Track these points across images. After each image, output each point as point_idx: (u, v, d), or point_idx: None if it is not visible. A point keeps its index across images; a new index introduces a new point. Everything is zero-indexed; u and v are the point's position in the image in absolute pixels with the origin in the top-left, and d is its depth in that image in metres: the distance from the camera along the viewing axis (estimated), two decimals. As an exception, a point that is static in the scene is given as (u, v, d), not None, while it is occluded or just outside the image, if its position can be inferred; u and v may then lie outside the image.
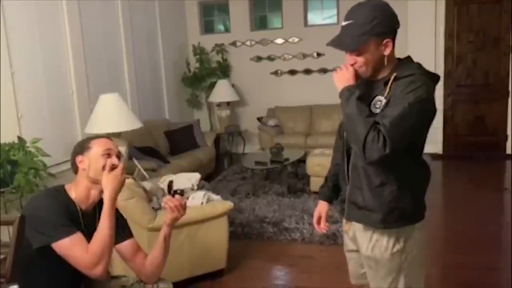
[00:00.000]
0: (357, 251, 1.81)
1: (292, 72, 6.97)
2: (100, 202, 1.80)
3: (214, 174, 5.89)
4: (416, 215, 1.66)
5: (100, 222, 1.67)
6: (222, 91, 6.63)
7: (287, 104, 6.86)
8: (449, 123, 6.24)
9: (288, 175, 5.22)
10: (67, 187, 1.78)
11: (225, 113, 6.80)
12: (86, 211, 1.78)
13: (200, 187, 3.27)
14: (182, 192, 1.87)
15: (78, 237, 1.63)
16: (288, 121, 6.68)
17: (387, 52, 1.54)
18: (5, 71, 3.65)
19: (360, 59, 1.56)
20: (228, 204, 3.07)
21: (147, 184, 3.09)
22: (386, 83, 1.54)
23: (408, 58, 1.63)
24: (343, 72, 1.58)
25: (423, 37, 6.04)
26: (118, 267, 2.72)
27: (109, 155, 1.75)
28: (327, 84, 6.74)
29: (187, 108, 7.22)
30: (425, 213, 1.70)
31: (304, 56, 6.87)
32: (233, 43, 7.10)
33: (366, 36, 1.51)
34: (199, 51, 6.94)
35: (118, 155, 1.80)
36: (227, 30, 7.35)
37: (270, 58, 7.02)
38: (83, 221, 1.74)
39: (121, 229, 1.85)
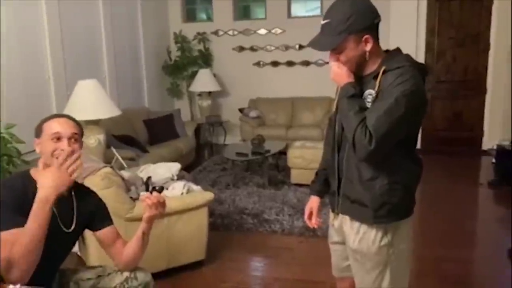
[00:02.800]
0: (342, 243, 1.80)
1: (275, 64, 6.93)
2: (75, 183, 1.71)
3: (194, 165, 5.83)
4: (406, 210, 1.66)
5: (26, 224, 1.46)
6: (203, 81, 6.55)
7: (269, 96, 6.83)
8: (427, 118, 6.30)
9: (268, 167, 5.20)
10: (32, 171, 1.68)
11: (206, 103, 6.73)
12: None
13: (180, 177, 3.21)
14: (161, 189, 1.80)
15: (11, 233, 1.46)
16: (270, 113, 6.66)
17: (368, 47, 1.53)
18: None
19: (342, 57, 1.56)
20: (209, 195, 3.03)
21: (126, 174, 3.02)
22: (375, 77, 1.53)
23: (397, 50, 1.61)
24: (338, 71, 1.58)
25: (404, 32, 6.07)
26: (94, 258, 2.67)
27: (58, 139, 1.61)
28: (309, 77, 6.78)
29: (167, 97, 7.11)
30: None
31: (287, 47, 6.84)
32: (215, 32, 7.00)
33: (343, 35, 1.50)
34: (181, 39, 6.83)
35: (73, 137, 1.63)
36: (209, 18, 7.25)
37: (252, 49, 6.96)
38: (55, 205, 1.64)
39: (101, 216, 1.80)
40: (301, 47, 6.76)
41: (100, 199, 1.86)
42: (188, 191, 3.00)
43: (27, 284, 1.37)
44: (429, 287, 2.88)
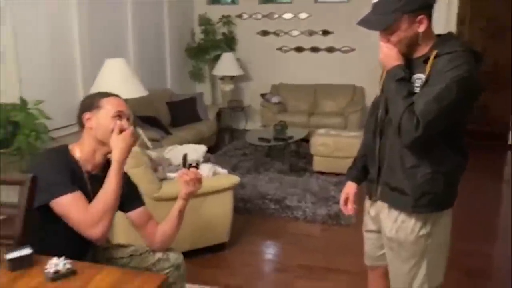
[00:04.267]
0: (377, 231, 1.76)
1: (299, 49, 6.83)
2: (108, 165, 1.72)
3: (215, 149, 5.81)
4: (448, 201, 1.62)
5: (106, 183, 1.59)
6: (226, 65, 6.50)
7: (291, 82, 6.74)
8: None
9: (290, 154, 5.16)
10: (70, 147, 1.70)
11: (228, 87, 6.68)
12: (92, 173, 1.70)
13: (206, 160, 3.20)
14: (197, 165, 1.79)
15: (77, 195, 1.57)
16: (292, 99, 6.58)
17: (422, 28, 1.47)
18: (7, 33, 3.51)
19: (393, 38, 1.49)
20: (235, 179, 3.02)
21: (152, 154, 3.02)
22: (426, 61, 1.47)
23: (450, 34, 1.55)
24: (387, 52, 1.51)
25: (434, 21, 5.89)
26: (121, 237, 2.68)
27: (119, 117, 1.67)
28: (333, 64, 6.67)
29: (189, 80, 7.07)
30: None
31: (312, 33, 6.72)
32: (240, 16, 6.92)
33: (397, 14, 1.44)
34: (205, 22, 6.77)
35: (129, 118, 1.72)
36: (233, 1, 7.17)
37: (276, 33, 6.86)
38: (90, 183, 1.66)
39: (133, 197, 1.79)
40: (327, 32, 6.65)
41: (132, 180, 1.85)
42: (214, 173, 2.99)
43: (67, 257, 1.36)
44: (454, 280, 2.81)
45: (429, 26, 1.48)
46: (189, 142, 4.62)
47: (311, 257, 3.10)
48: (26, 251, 1.29)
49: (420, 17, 1.45)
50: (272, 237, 3.42)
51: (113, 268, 1.52)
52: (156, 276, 1.51)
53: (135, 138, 1.69)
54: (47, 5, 3.97)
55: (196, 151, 3.16)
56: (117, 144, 1.62)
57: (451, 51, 1.44)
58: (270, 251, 3.29)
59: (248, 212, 3.77)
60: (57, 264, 1.25)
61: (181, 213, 1.79)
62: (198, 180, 1.75)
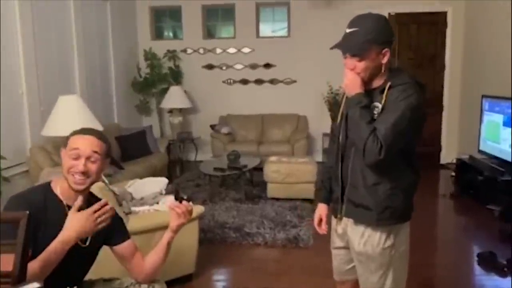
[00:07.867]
0: (345, 248, 1.92)
1: (244, 82, 7.09)
2: (91, 198, 1.72)
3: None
4: (406, 214, 1.81)
5: (42, 254, 1.47)
6: (174, 98, 6.58)
7: (239, 113, 6.95)
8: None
9: (244, 182, 5.28)
10: (52, 183, 1.68)
11: (177, 119, 6.74)
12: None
13: (168, 192, 3.24)
14: (189, 199, 1.87)
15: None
16: (240, 129, 6.77)
17: (384, 60, 1.68)
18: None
19: (360, 65, 1.67)
20: (199, 208, 3.08)
21: (115, 189, 3.02)
22: (382, 91, 1.68)
23: (399, 68, 1.79)
24: (352, 78, 1.70)
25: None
26: (105, 271, 2.64)
27: (76, 158, 1.59)
28: (277, 95, 6.99)
29: (136, 114, 7.07)
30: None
31: (255, 66, 7.02)
32: (185, 50, 7.09)
33: (369, 43, 1.64)
34: (151, 56, 6.85)
35: (92, 156, 1.61)
36: (176, 36, 7.34)
37: (221, 67, 7.09)
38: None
39: (120, 230, 1.81)
40: (269, 65, 6.97)
41: (117, 214, 1.86)
42: (179, 205, 3.03)
43: None
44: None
45: (389, 60, 1.70)
46: (142, 176, 4.61)
47: (275, 280, 3.20)
48: (35, 285, 1.28)
49: (385, 50, 1.66)
50: (236, 264, 3.48)
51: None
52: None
53: (103, 218, 1.56)
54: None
55: (158, 183, 3.19)
56: (67, 223, 1.52)
57: (402, 83, 1.66)
58: (235, 278, 3.35)
59: (210, 242, 3.82)
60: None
61: (169, 244, 1.83)
62: (189, 213, 1.82)
